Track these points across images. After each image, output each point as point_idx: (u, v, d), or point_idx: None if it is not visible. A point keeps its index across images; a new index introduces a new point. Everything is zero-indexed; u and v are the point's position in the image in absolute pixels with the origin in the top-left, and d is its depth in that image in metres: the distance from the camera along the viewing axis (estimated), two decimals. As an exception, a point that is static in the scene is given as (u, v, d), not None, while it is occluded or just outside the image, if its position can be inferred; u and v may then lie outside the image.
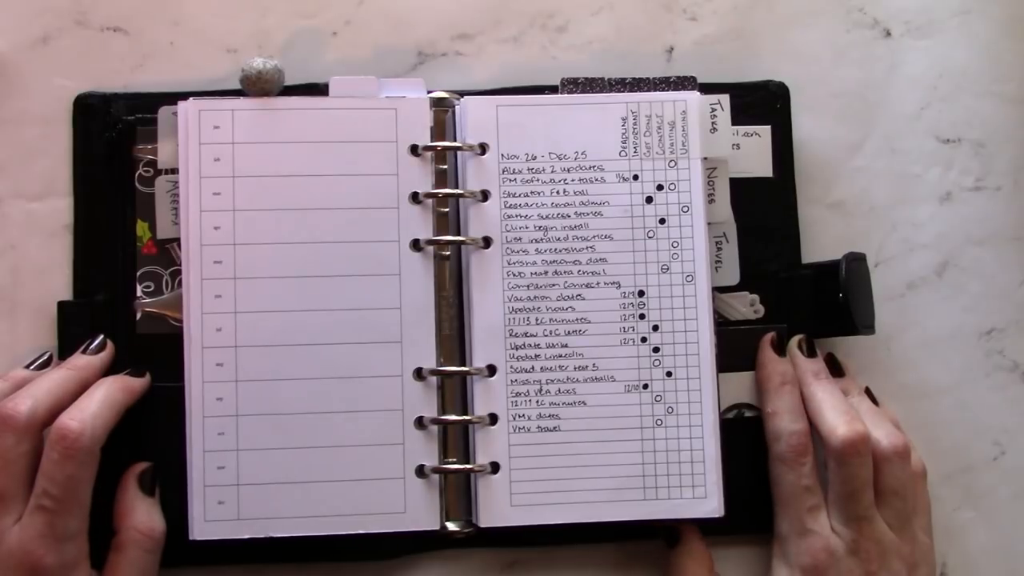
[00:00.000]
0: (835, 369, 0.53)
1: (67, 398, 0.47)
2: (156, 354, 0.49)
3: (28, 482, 0.45)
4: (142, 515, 0.47)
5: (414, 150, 0.50)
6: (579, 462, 0.50)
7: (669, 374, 0.50)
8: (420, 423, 0.49)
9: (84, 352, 0.49)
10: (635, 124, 0.51)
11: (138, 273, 0.51)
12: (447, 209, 0.51)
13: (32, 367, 0.49)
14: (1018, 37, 0.57)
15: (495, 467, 0.50)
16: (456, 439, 0.50)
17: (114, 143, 0.52)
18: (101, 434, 0.45)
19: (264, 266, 0.49)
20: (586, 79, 0.52)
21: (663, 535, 0.52)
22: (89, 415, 0.45)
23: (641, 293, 0.51)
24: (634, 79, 0.52)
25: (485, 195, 0.51)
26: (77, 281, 0.52)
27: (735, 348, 0.52)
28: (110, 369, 0.49)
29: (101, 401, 0.46)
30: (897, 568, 0.49)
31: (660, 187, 0.51)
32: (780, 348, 0.52)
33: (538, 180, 0.51)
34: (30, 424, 0.45)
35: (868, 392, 0.53)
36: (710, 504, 0.50)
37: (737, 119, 0.52)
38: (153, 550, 0.47)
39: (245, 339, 0.49)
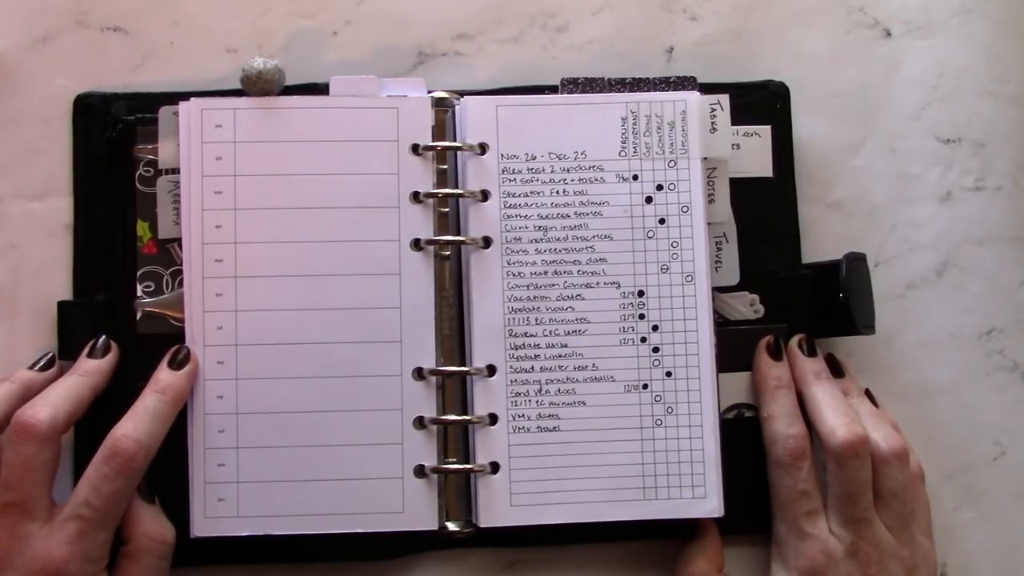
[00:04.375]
0: (835, 369, 0.53)
1: (82, 405, 0.47)
2: (156, 354, 0.49)
3: (49, 489, 0.45)
4: (151, 523, 0.47)
5: (415, 149, 0.50)
6: (579, 462, 0.50)
7: (669, 374, 0.50)
8: (420, 423, 0.49)
9: (89, 355, 0.49)
10: (635, 124, 0.51)
11: (138, 273, 0.51)
12: (447, 209, 0.51)
13: (35, 368, 0.49)
14: (1018, 37, 0.57)
15: (495, 467, 0.50)
16: (456, 439, 0.51)
17: (114, 143, 0.52)
18: (153, 454, 0.46)
19: (265, 265, 0.49)
20: (586, 79, 0.52)
21: (681, 528, 0.52)
22: (144, 433, 0.46)
23: (641, 293, 0.51)
24: (634, 79, 0.52)
25: (485, 195, 0.51)
26: (77, 281, 0.52)
27: (735, 348, 0.52)
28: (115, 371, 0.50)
29: (154, 418, 0.46)
30: (895, 571, 0.49)
31: (660, 187, 0.51)
32: (775, 352, 0.52)
33: (538, 180, 0.51)
34: (50, 432, 0.45)
35: (868, 394, 0.53)
36: (710, 504, 0.50)
37: (737, 119, 0.52)
38: (165, 556, 0.47)
39: (246, 337, 0.49)
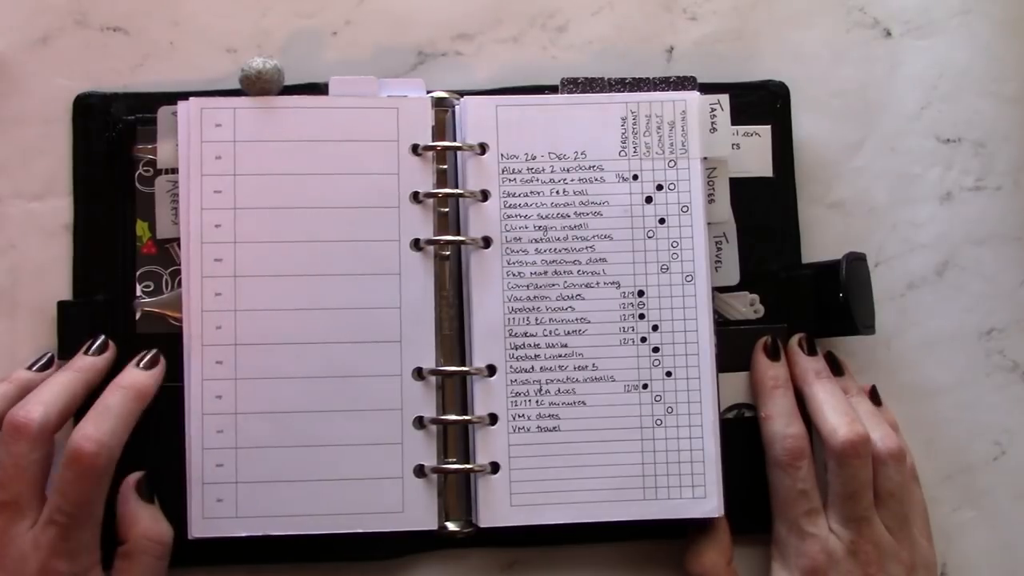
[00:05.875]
0: (835, 368, 0.53)
1: (75, 402, 0.47)
2: (156, 354, 0.49)
3: (41, 488, 0.45)
4: (149, 523, 0.47)
5: (415, 149, 0.50)
6: (579, 462, 0.50)
7: (669, 374, 0.50)
8: (419, 423, 0.49)
9: (86, 353, 0.49)
10: (635, 124, 0.51)
11: (138, 273, 0.51)
12: (447, 209, 0.51)
13: (34, 368, 0.49)
14: (1018, 37, 0.57)
15: (495, 467, 0.50)
16: (456, 439, 0.50)
17: (114, 143, 0.52)
18: (117, 452, 0.46)
19: (264, 264, 0.49)
20: (586, 79, 0.52)
21: (691, 521, 0.51)
22: (105, 433, 0.45)
23: (641, 293, 0.51)
24: (634, 79, 0.52)
25: (485, 195, 0.51)
26: (77, 281, 0.52)
27: (735, 348, 0.52)
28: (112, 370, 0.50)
29: (117, 416, 0.46)
30: (895, 571, 0.49)
31: (660, 187, 0.51)
32: (773, 352, 0.52)
33: (538, 180, 0.51)
34: (42, 431, 0.45)
35: (874, 390, 0.53)
36: (709, 504, 0.50)
37: (737, 119, 0.52)
38: (163, 556, 0.47)
39: (245, 337, 0.49)
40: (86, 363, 0.49)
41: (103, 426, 0.45)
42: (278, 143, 0.50)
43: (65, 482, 0.44)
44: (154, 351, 0.49)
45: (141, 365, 0.48)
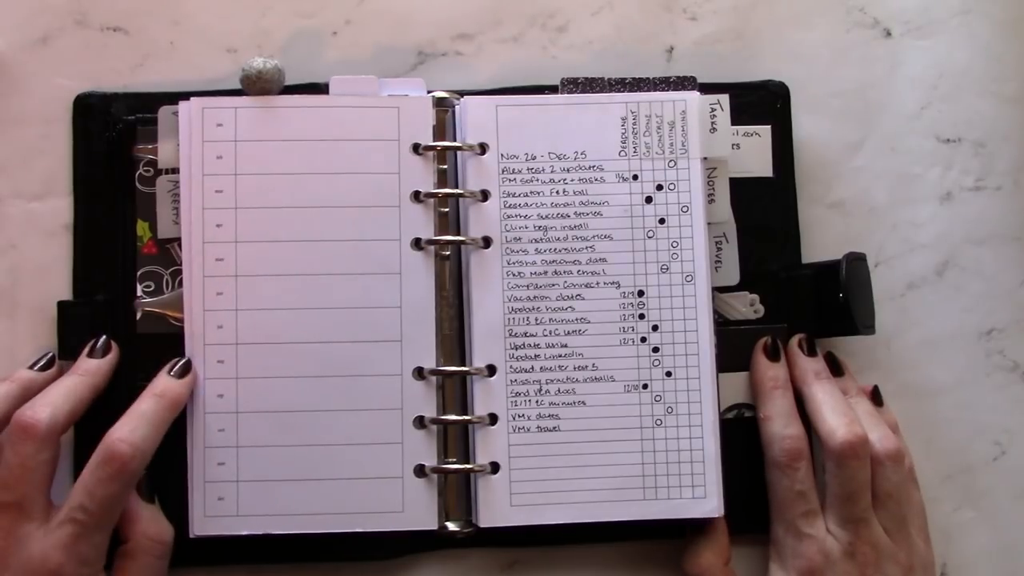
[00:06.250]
0: (834, 368, 0.53)
1: (82, 405, 0.47)
2: (156, 354, 0.49)
3: (47, 489, 0.45)
4: (150, 522, 0.47)
5: (416, 149, 0.50)
6: (579, 462, 0.50)
7: (669, 374, 0.50)
8: (420, 422, 0.49)
9: (89, 355, 0.49)
10: (635, 124, 0.51)
11: (138, 273, 0.51)
12: (447, 209, 0.51)
13: (35, 368, 0.49)
14: (1018, 37, 0.57)
15: (495, 467, 0.50)
16: (456, 439, 0.50)
17: (114, 143, 0.52)
18: (148, 458, 0.46)
19: (265, 264, 0.49)
20: (586, 79, 0.52)
21: (689, 522, 0.51)
22: (140, 438, 0.45)
23: (641, 293, 0.51)
24: (634, 79, 0.52)
25: (485, 195, 0.51)
26: (77, 281, 0.52)
27: (735, 348, 0.52)
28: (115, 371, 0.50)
29: (150, 423, 0.46)
30: (892, 572, 0.49)
31: (660, 187, 0.51)
32: (773, 353, 0.52)
33: (538, 180, 0.51)
34: (50, 432, 0.45)
35: (875, 391, 0.53)
36: (709, 504, 0.50)
37: (737, 119, 0.52)
38: (164, 555, 0.47)
39: (246, 336, 0.49)
40: (91, 366, 0.49)
41: (138, 431, 0.45)
42: (279, 143, 0.50)
43: (95, 481, 0.44)
44: (186, 359, 0.49)
45: (173, 373, 0.48)
